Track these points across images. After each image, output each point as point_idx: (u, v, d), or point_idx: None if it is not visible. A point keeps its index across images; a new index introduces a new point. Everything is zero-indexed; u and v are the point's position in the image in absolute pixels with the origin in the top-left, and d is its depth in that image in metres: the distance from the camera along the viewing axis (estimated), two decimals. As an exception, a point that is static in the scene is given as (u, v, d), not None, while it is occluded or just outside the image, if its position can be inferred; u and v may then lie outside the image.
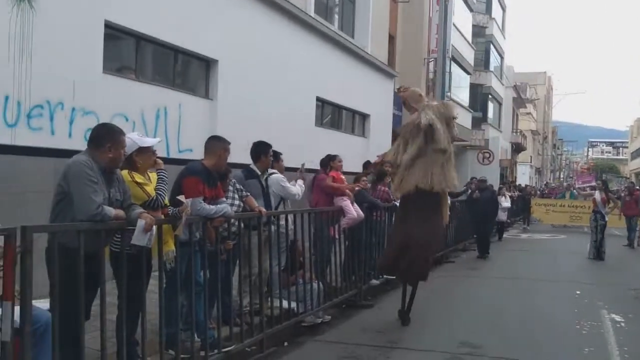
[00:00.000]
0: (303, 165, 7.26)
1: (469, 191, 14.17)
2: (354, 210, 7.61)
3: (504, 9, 40.23)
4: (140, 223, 3.91)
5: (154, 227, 4.06)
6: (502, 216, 18.51)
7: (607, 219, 13.89)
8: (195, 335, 4.81)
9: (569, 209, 21.24)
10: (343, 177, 8.16)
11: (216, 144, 5.22)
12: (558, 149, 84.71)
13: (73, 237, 3.66)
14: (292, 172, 7.51)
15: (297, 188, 6.82)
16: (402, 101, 7.31)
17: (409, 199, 6.87)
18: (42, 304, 3.80)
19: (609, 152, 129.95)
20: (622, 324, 7.22)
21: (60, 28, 6.58)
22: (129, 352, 4.19)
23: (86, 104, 6.93)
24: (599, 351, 5.97)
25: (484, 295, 8.95)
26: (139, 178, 4.49)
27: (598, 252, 13.35)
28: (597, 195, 14.14)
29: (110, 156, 4.04)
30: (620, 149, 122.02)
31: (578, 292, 9.30)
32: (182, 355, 4.56)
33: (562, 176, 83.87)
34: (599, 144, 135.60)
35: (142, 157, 4.49)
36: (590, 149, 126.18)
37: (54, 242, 3.55)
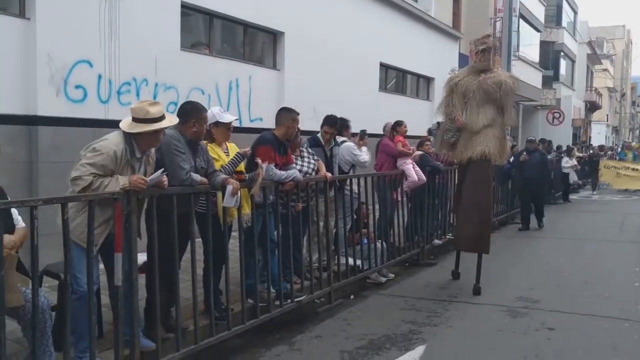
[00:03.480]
0: (365, 132, 7.58)
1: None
2: (414, 174, 7.95)
3: (578, -40, 38.36)
4: (229, 188, 4.50)
5: (239, 191, 4.62)
6: (575, 177, 18.13)
7: None
8: (271, 287, 5.40)
9: None
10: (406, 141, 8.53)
11: (285, 115, 5.69)
12: (638, 106, 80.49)
13: (167, 200, 4.27)
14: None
15: (365, 156, 7.20)
16: (483, 49, 6.87)
17: (474, 166, 6.71)
18: (140, 256, 4.45)
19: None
20: (684, 283, 7.31)
21: (142, 10, 7.22)
22: (215, 299, 4.81)
23: (167, 80, 7.60)
24: (655, 307, 6.15)
25: (545, 255, 9.15)
26: (212, 153, 5.00)
27: None
28: None
29: (194, 130, 4.58)
30: None
31: (642, 252, 9.36)
32: (260, 304, 5.17)
33: (642, 135, 79.89)
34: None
35: (218, 130, 5.04)
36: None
37: (152, 204, 4.16)
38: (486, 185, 6.82)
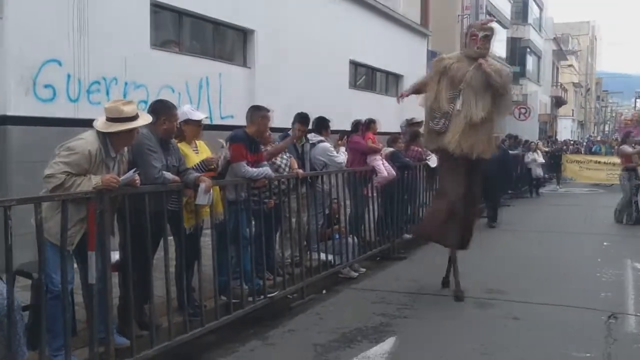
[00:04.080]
0: (344, 132, 7.66)
1: None
2: (384, 170, 8.09)
3: (543, -42, 39.09)
4: (202, 186, 4.55)
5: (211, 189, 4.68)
6: (539, 171, 18.61)
7: None
8: (244, 283, 5.46)
9: (605, 166, 19.16)
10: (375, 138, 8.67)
11: (256, 113, 5.74)
12: (602, 100, 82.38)
13: (140, 199, 4.30)
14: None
15: (342, 157, 7.28)
16: (486, 35, 6.40)
17: (473, 165, 6.43)
18: (113, 255, 4.47)
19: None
20: (644, 272, 7.58)
21: (111, 9, 7.20)
22: (188, 297, 4.86)
23: (137, 78, 7.59)
24: (615, 295, 6.40)
25: (514, 248, 9.39)
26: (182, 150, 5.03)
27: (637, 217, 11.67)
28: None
29: (165, 127, 4.62)
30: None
31: (605, 244, 9.64)
32: (233, 300, 5.24)
33: (607, 129, 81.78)
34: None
35: (188, 128, 5.10)
36: (638, 100, 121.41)
37: (124, 203, 4.19)
38: (479, 185, 6.86)
